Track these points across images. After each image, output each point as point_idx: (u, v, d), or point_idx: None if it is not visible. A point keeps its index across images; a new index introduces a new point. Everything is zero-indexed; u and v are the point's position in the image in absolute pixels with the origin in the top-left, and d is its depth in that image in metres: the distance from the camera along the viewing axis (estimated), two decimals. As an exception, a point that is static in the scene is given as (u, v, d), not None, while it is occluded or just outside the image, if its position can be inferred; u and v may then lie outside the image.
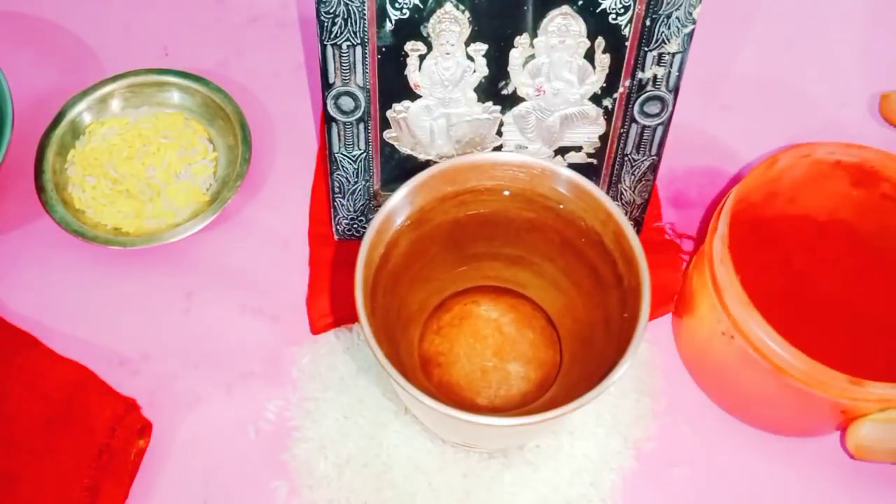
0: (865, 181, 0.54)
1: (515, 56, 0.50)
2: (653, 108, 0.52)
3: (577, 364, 0.52)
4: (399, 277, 0.51)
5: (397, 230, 0.50)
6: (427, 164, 0.54)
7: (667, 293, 0.57)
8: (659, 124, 0.53)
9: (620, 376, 0.44)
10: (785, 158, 0.53)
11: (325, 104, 0.51)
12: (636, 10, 0.48)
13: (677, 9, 0.48)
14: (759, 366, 0.48)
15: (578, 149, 0.55)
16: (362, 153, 0.54)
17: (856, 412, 0.49)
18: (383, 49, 0.49)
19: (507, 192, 0.51)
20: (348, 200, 0.57)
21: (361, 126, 0.53)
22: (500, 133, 0.54)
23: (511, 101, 0.52)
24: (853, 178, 0.54)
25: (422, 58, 0.50)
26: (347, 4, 0.47)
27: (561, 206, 0.51)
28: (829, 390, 0.47)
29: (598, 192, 0.49)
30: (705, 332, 0.52)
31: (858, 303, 0.55)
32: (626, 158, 0.55)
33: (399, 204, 0.49)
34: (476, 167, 0.51)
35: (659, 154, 0.54)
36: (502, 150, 0.54)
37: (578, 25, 0.49)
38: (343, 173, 0.55)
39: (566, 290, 0.53)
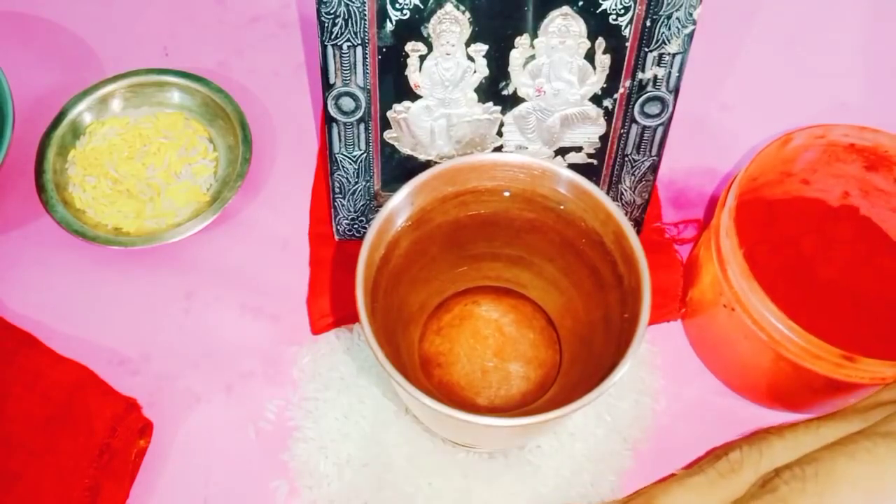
0: (879, 165, 0.54)
1: (516, 56, 0.50)
2: (653, 108, 0.52)
3: (578, 364, 0.52)
4: (400, 278, 0.51)
5: (398, 231, 0.50)
6: (427, 164, 0.55)
7: (667, 294, 0.57)
8: (659, 125, 0.53)
9: (621, 377, 0.44)
10: (799, 138, 0.53)
11: (325, 104, 0.51)
12: (636, 10, 0.48)
13: (677, 9, 0.48)
14: (756, 338, 0.49)
15: (578, 149, 0.55)
16: (363, 153, 0.54)
17: (850, 389, 0.49)
18: (384, 49, 0.49)
19: (507, 193, 0.51)
20: (349, 201, 0.57)
21: (362, 126, 0.53)
22: (500, 133, 0.54)
23: (511, 101, 0.52)
24: (867, 162, 0.54)
25: (422, 58, 0.50)
26: (348, 5, 0.47)
27: (561, 207, 0.51)
28: (823, 365, 0.47)
29: (598, 192, 0.49)
30: (708, 305, 0.53)
31: (865, 289, 0.55)
32: (626, 159, 0.55)
33: (400, 204, 0.49)
34: (476, 168, 0.51)
35: (659, 154, 0.54)
36: (502, 150, 0.54)
37: (579, 26, 0.49)
38: (343, 173, 0.55)
39: (566, 290, 0.53)
